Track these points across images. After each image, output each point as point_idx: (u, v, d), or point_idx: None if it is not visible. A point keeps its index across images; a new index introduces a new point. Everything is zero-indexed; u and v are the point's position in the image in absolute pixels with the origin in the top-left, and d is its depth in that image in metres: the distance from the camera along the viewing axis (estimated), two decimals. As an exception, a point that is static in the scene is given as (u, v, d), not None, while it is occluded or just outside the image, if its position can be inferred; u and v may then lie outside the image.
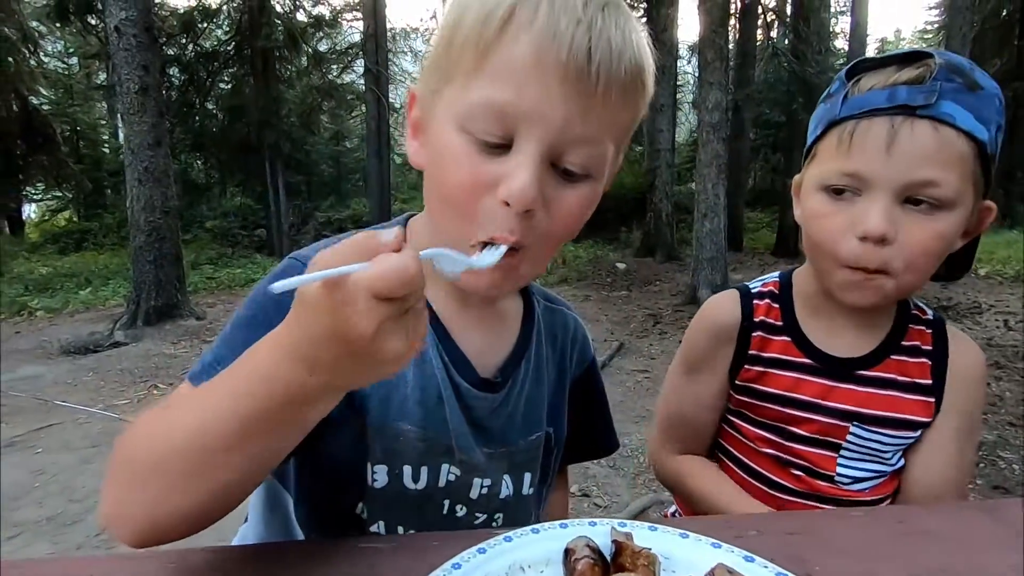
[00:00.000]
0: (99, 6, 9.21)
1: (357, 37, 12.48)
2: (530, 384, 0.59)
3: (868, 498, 0.66)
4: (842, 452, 0.65)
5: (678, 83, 11.83)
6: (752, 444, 0.71)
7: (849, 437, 0.64)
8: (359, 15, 11.68)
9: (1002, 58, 11.35)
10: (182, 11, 10.53)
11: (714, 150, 5.41)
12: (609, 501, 2.00)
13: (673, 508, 0.86)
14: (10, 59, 10.85)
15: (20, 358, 3.91)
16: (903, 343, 0.64)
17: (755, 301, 0.71)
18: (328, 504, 0.54)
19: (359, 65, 12.18)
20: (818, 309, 0.66)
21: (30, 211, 16.84)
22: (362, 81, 12.12)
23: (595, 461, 2.29)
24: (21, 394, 3.06)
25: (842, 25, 16.39)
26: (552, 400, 0.62)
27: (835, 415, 0.64)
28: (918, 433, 0.63)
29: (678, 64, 11.32)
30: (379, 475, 0.52)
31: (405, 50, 20.79)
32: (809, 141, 0.64)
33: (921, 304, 0.67)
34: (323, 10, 11.59)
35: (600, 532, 0.43)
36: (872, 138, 0.52)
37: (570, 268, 7.77)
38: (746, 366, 0.69)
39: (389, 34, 13.44)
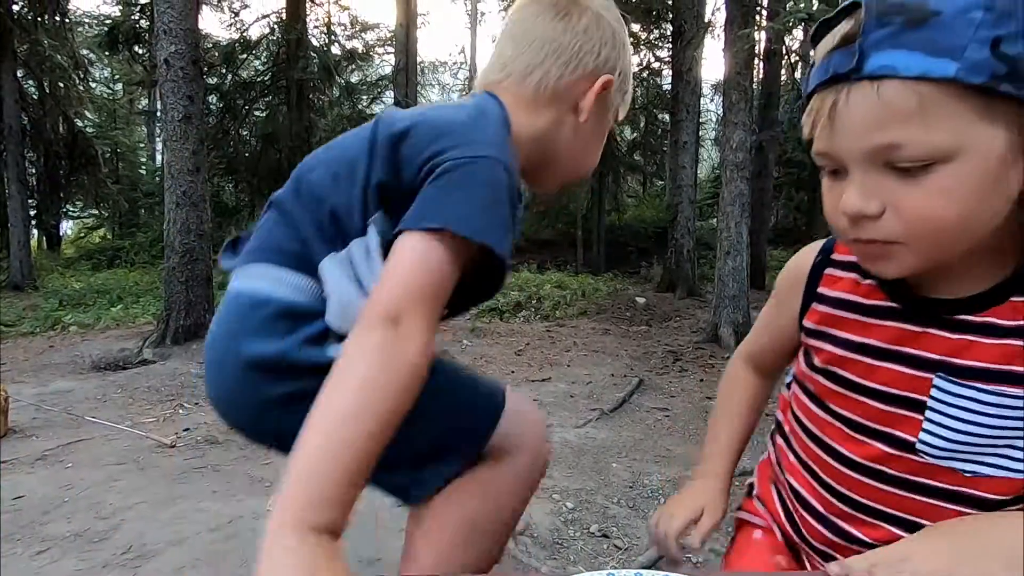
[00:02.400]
0: (147, 38, 9.74)
1: (388, 70, 12.93)
2: None
3: (981, 493, 0.51)
4: (927, 414, 0.52)
5: (700, 120, 11.95)
6: (820, 403, 0.61)
7: (933, 392, 0.52)
8: (391, 49, 12.12)
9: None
10: (224, 43, 11.05)
11: (737, 189, 5.44)
12: (629, 543, 1.97)
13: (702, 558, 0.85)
14: (61, 84, 11.44)
15: (53, 372, 4.02)
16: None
17: (838, 242, 0.61)
18: None
19: (388, 96, 12.58)
20: None
21: (67, 228, 17.48)
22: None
23: (615, 501, 2.27)
24: (53, 408, 3.14)
25: (866, 67, 16.53)
26: None
27: (916, 365, 0.53)
28: None
29: (701, 102, 11.47)
30: None
31: (433, 83, 21.46)
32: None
33: None
34: (357, 44, 12.05)
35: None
36: (820, 117, 0.48)
37: (589, 301, 7.78)
38: (814, 304, 0.61)
39: (419, 67, 13.91)
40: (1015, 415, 0.49)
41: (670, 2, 9.21)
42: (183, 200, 4.64)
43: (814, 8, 4.71)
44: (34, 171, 12.05)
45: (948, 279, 0.51)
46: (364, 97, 12.89)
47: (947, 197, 0.43)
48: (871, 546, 0.55)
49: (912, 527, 0.54)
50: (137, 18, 10.12)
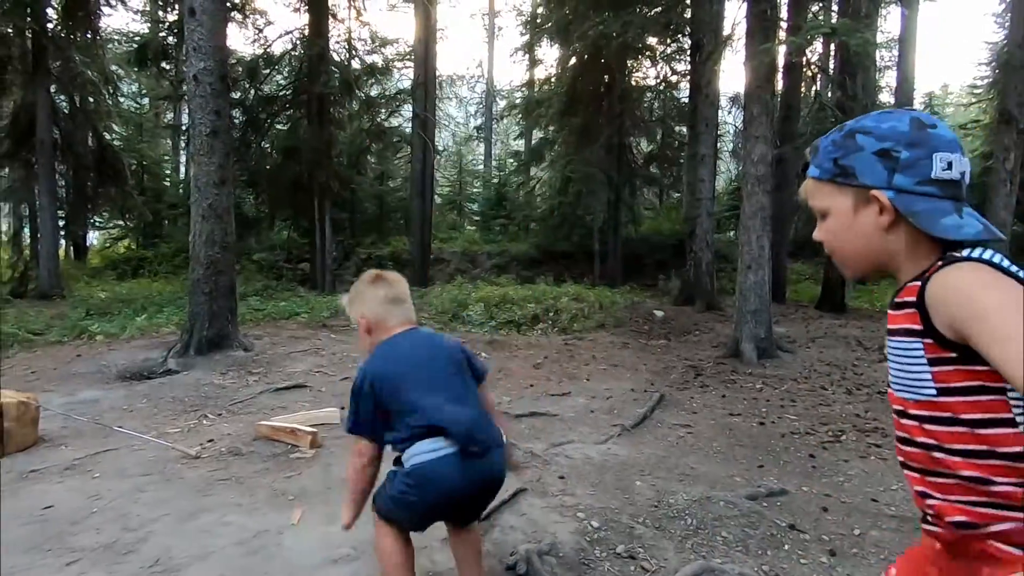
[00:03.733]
0: (175, 54, 10.01)
1: (407, 83, 13.10)
2: None
3: (909, 404, 0.78)
4: (890, 359, 0.80)
5: (718, 133, 11.90)
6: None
7: (887, 350, 0.81)
8: (410, 63, 12.29)
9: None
10: (248, 59, 11.30)
11: (759, 202, 5.39)
12: (656, 565, 1.93)
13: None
14: (91, 99, 11.77)
15: (81, 382, 4.10)
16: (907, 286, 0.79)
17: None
18: None
19: (407, 109, 12.74)
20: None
21: (93, 238, 17.90)
22: (409, 125, 12.64)
23: (640, 521, 2.23)
24: (82, 418, 3.20)
25: (886, 79, 16.37)
26: None
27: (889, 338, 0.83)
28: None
29: (718, 115, 11.44)
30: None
31: (451, 96, 21.70)
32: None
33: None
34: (377, 59, 12.23)
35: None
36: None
37: (607, 314, 7.72)
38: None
39: (437, 81, 14.08)
40: (911, 358, 0.74)
41: (688, 16, 9.22)
42: (208, 213, 4.73)
43: (835, 23, 4.67)
44: (63, 183, 12.39)
45: (898, 282, 0.79)
46: (383, 110, 13.06)
47: (831, 234, 0.82)
48: (924, 507, 0.76)
49: (912, 466, 0.77)
50: (165, 35, 10.40)
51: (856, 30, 4.14)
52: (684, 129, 12.98)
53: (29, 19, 9.70)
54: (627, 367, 5.16)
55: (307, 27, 10.94)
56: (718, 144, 12.59)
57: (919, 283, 0.74)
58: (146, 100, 18.31)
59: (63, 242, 14.71)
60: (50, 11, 10.60)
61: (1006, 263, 0.70)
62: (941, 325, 0.70)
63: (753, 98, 5.37)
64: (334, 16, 11.46)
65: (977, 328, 0.65)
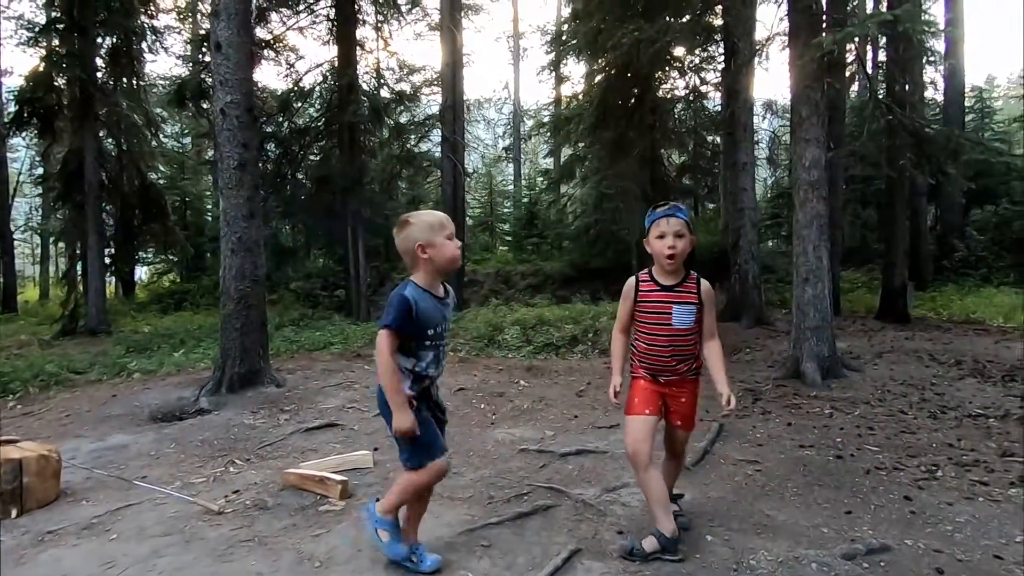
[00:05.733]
0: (212, 93, 10.29)
1: (435, 108, 13.15)
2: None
3: (688, 331, 2.12)
4: (672, 313, 2.12)
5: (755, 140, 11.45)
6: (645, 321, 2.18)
7: (672, 309, 2.12)
8: (437, 89, 12.33)
9: None
10: (280, 93, 11.54)
11: (814, 210, 4.98)
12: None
13: None
14: (135, 141, 12.21)
15: (112, 425, 4.01)
16: (686, 282, 2.15)
17: (640, 276, 2.22)
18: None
19: (436, 134, 12.76)
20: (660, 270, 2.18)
21: (142, 273, 18.56)
22: (438, 149, 12.65)
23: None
24: (102, 471, 3.06)
25: (929, 74, 15.55)
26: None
27: (667, 302, 2.13)
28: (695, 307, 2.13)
29: (754, 121, 11.00)
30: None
31: (479, 119, 21.84)
32: (648, 224, 2.17)
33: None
34: (405, 86, 12.32)
35: None
36: (664, 222, 2.11)
37: (650, 333, 7.34)
38: (639, 295, 2.19)
39: (465, 105, 14.10)
40: (689, 312, 2.12)
41: (719, 22, 8.91)
42: (238, 246, 4.65)
43: (896, 11, 4.30)
44: (111, 222, 12.85)
45: (669, 277, 2.15)
46: (412, 136, 13.12)
47: (684, 246, 2.09)
48: (675, 367, 2.16)
49: (678, 353, 2.14)
50: (203, 75, 10.71)
51: (918, 17, 3.78)
52: (717, 139, 12.58)
53: (78, 70, 10.13)
54: (678, 393, 4.78)
55: (336, 59, 11.11)
56: (755, 151, 12.10)
57: (695, 277, 2.16)
58: (188, 139, 19.07)
59: (111, 279, 15.28)
60: (97, 60, 11.08)
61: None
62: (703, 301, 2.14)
63: (801, 99, 5.01)
64: (362, 47, 11.62)
65: (708, 309, 2.17)
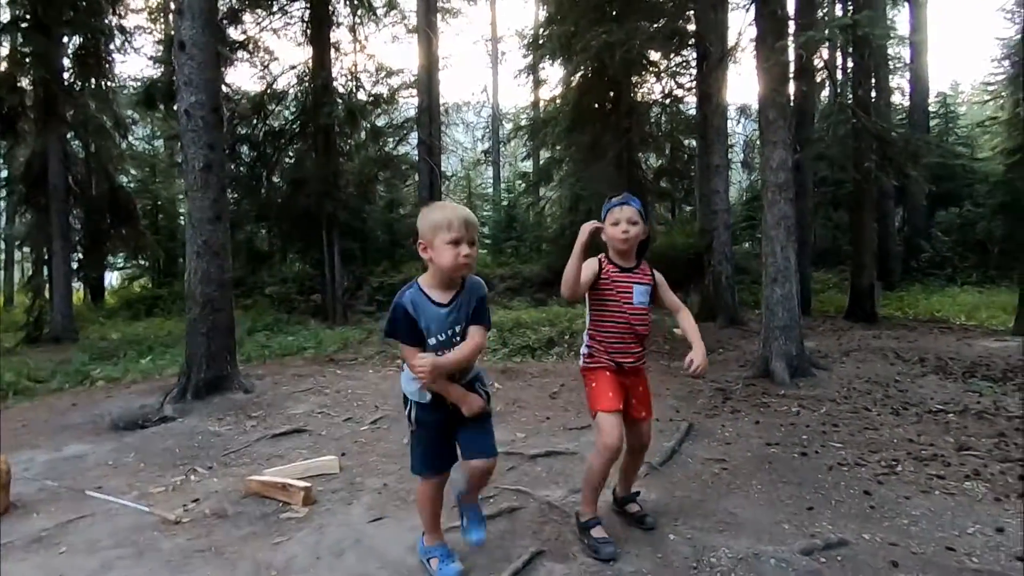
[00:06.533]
0: (181, 94, 10.08)
1: (412, 112, 13.09)
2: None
3: (645, 310, 2.25)
4: (634, 292, 2.24)
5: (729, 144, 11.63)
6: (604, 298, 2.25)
7: (633, 288, 2.24)
8: (415, 92, 12.27)
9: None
10: (254, 95, 11.37)
11: (781, 211, 5.07)
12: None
13: None
14: (103, 143, 11.90)
15: (70, 435, 3.88)
16: (640, 267, 2.29)
17: (601, 258, 2.27)
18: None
19: (414, 137, 12.70)
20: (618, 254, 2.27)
21: (112, 279, 18.08)
22: (415, 152, 12.59)
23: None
24: (56, 482, 2.96)
25: (896, 80, 15.99)
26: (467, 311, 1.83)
27: (628, 283, 2.24)
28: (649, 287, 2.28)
29: (729, 125, 11.17)
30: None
31: (457, 122, 21.78)
32: (604, 214, 2.25)
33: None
34: (382, 89, 12.24)
35: None
36: (618, 210, 2.23)
37: (625, 335, 7.38)
38: (602, 275, 2.23)
39: (442, 108, 14.06)
40: (646, 292, 2.27)
41: (692, 28, 9.04)
42: (204, 249, 4.55)
43: (856, 16, 4.40)
44: (78, 226, 12.51)
45: (625, 261, 2.27)
46: (390, 139, 13.04)
47: (636, 233, 2.22)
48: (634, 350, 2.27)
49: (638, 333, 2.25)
50: (174, 76, 10.49)
51: (877, 22, 3.88)
52: (692, 142, 12.75)
53: (43, 70, 9.85)
54: (651, 392, 4.81)
55: (311, 61, 10.99)
56: (728, 154, 12.30)
57: (647, 263, 2.33)
58: (159, 141, 18.66)
59: (79, 285, 14.85)
60: (64, 60, 10.79)
61: None
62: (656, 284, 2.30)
63: (768, 102, 5.10)
64: (337, 49, 11.51)
65: (663, 288, 2.32)
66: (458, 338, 1.80)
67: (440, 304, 1.79)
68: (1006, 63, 15.96)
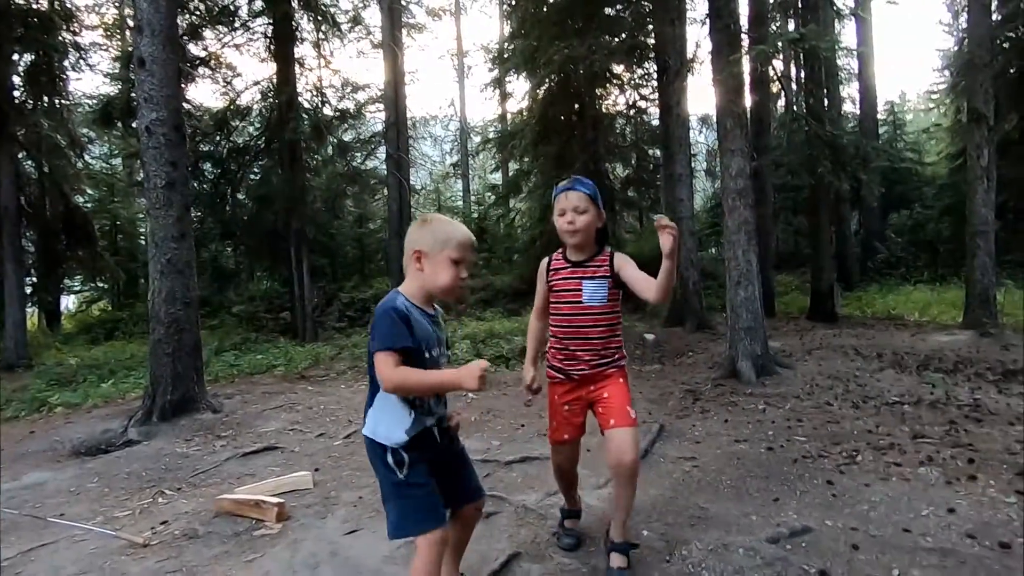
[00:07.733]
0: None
1: (379, 126, 13.08)
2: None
3: (600, 308, 2.00)
4: (583, 289, 2.00)
5: (692, 153, 11.96)
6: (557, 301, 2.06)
7: (583, 284, 2.00)
8: (381, 106, 12.28)
9: (1020, 112, 11.31)
10: (216, 111, 11.20)
11: (742, 216, 5.26)
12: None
13: None
14: (58, 163, 11.53)
15: (28, 463, 3.73)
16: (598, 257, 2.03)
17: (553, 256, 2.10)
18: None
19: (383, 151, 12.67)
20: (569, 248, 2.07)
21: (69, 303, 17.38)
22: (384, 166, 12.56)
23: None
24: (14, 511, 2.84)
25: (847, 91, 16.78)
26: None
27: (578, 278, 2.01)
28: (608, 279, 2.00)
29: (692, 135, 11.50)
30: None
31: (425, 136, 21.84)
32: (553, 200, 2.05)
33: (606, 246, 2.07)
34: (348, 104, 12.21)
35: None
36: (563, 197, 1.99)
37: (598, 341, 7.48)
38: (551, 275, 2.08)
39: (409, 122, 14.10)
40: (600, 287, 1.98)
41: (651, 42, 9.32)
42: (168, 268, 4.46)
43: (802, 29, 4.64)
44: (33, 249, 12.03)
45: (578, 253, 2.03)
46: (358, 154, 12.98)
47: (586, 222, 1.96)
48: (587, 358, 2.02)
49: (592, 335, 2.01)
50: (132, 93, 10.26)
51: (823, 35, 4.10)
52: (658, 152, 13.08)
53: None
54: (622, 397, 4.89)
55: (275, 76, 10.91)
56: (692, 164, 12.65)
57: (609, 252, 2.03)
58: (118, 160, 18.13)
59: (33, 310, 14.23)
60: (15, 78, 10.46)
61: None
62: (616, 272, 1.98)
63: (726, 112, 5.31)
64: (301, 64, 11.45)
65: (628, 270, 1.96)
66: (444, 359, 1.61)
67: (429, 315, 1.61)
68: (946, 72, 16.93)
